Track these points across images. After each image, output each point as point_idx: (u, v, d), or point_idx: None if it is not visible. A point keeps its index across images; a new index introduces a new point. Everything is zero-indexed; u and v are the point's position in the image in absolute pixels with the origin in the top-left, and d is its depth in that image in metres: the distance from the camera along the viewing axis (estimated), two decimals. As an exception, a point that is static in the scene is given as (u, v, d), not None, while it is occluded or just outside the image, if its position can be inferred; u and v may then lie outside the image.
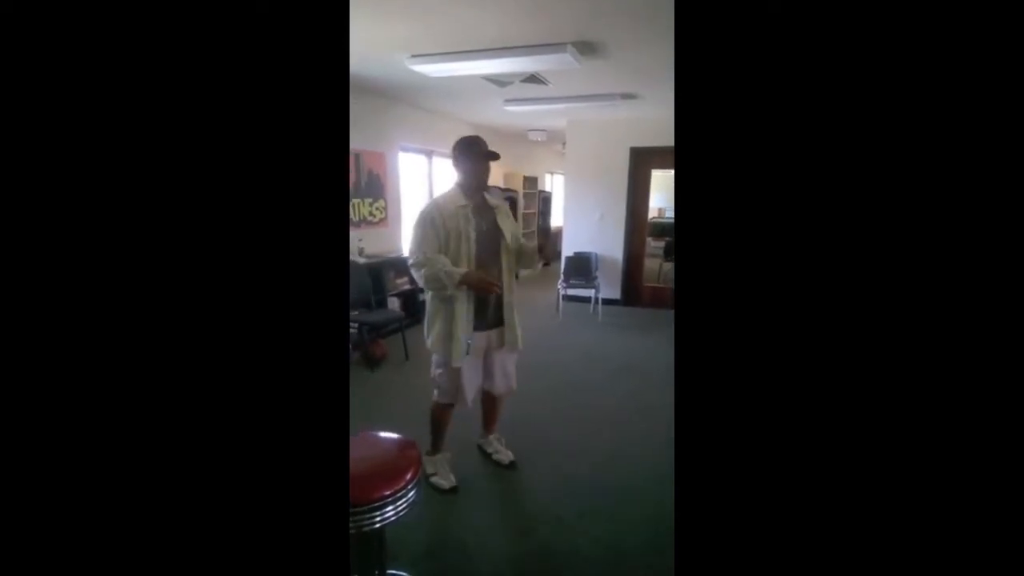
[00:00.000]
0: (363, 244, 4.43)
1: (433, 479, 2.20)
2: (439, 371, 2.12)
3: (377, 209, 4.63)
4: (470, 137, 2.07)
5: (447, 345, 2.03)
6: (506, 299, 2.12)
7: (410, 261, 1.99)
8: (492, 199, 2.16)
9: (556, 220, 8.59)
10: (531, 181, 7.71)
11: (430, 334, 2.08)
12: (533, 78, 3.53)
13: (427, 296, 2.09)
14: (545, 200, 8.64)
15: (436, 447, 2.26)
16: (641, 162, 5.44)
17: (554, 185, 9.31)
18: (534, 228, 8.33)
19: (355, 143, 4.18)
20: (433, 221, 1.98)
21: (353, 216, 4.33)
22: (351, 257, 4.11)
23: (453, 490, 2.16)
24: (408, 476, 1.27)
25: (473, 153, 2.04)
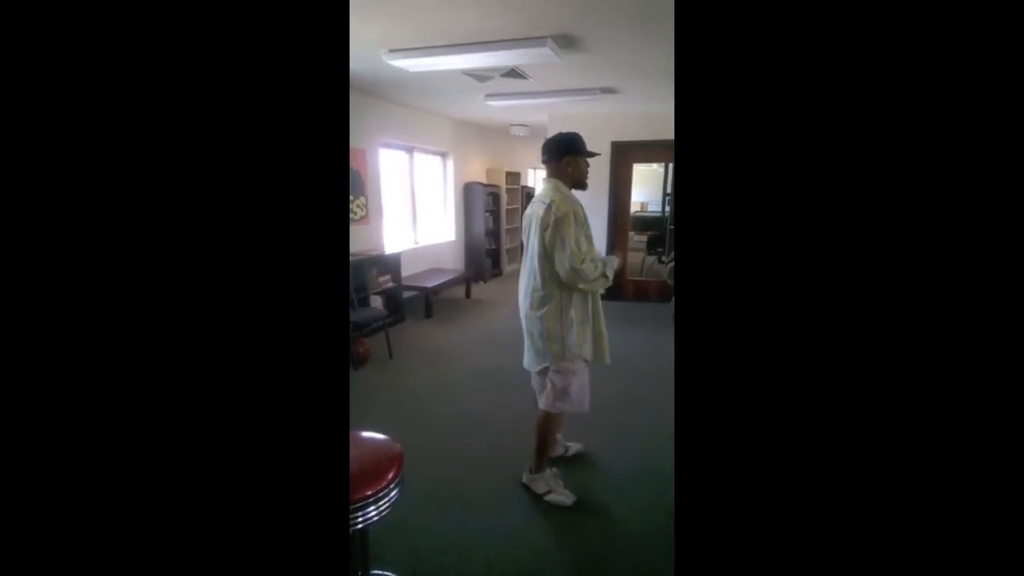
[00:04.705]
0: (344, 242, 4.37)
1: (550, 497, 2.08)
2: (572, 379, 1.97)
3: (358, 207, 4.58)
4: (574, 134, 1.98)
5: (591, 347, 1.97)
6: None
7: (571, 265, 1.82)
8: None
9: (539, 216, 8.56)
10: (513, 176, 7.69)
11: (576, 339, 1.93)
12: (513, 72, 3.51)
13: (548, 305, 1.93)
14: (528, 195, 8.63)
15: (543, 463, 2.13)
16: (623, 156, 5.46)
17: (537, 180, 9.31)
18: (518, 224, 8.32)
19: (334, 140, 4.12)
20: (578, 219, 1.88)
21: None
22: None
23: (573, 505, 2.06)
24: (390, 476, 1.25)
25: (582, 151, 1.97)
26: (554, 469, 2.19)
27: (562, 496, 2.09)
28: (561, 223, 1.83)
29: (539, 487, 2.12)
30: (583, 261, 1.85)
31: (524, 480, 2.19)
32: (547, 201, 1.89)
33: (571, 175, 1.96)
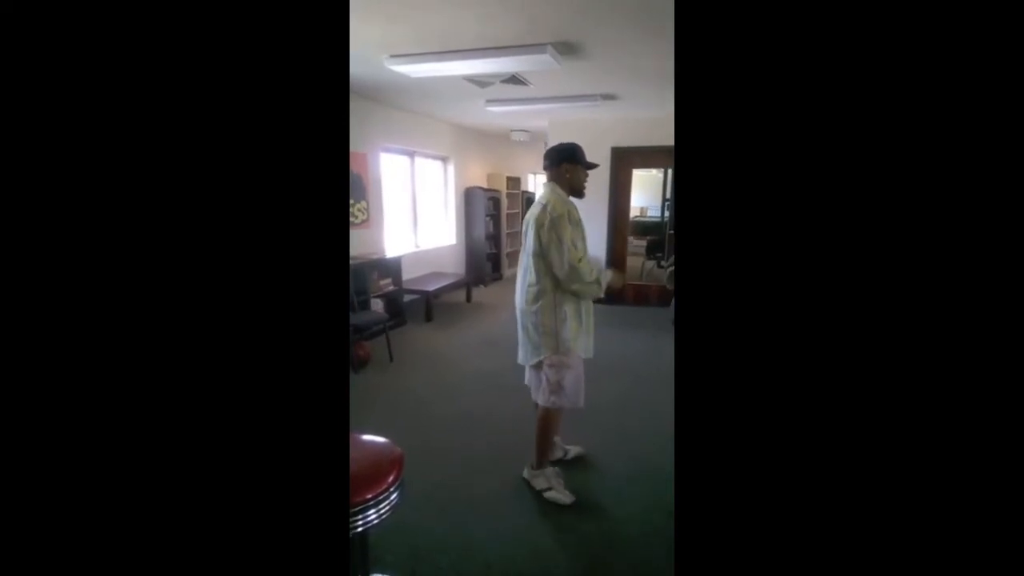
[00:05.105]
0: (345, 246, 4.38)
1: (549, 494, 2.12)
2: (565, 373, 2.03)
3: (359, 210, 4.59)
4: (574, 144, 2.07)
5: (583, 341, 2.04)
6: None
7: (569, 262, 1.91)
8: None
9: (540, 220, 8.55)
10: (514, 181, 7.70)
11: (564, 336, 2.00)
12: (514, 79, 3.53)
13: (543, 299, 1.99)
14: (529, 200, 8.63)
15: (544, 459, 2.18)
16: (623, 162, 5.48)
17: (537, 185, 9.32)
18: (518, 229, 8.33)
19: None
20: (572, 219, 1.97)
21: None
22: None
23: (573, 506, 2.08)
24: (390, 479, 1.25)
25: (582, 160, 2.06)
26: (556, 468, 2.23)
27: (561, 495, 2.11)
28: (557, 222, 1.92)
29: (539, 483, 2.15)
30: (579, 260, 1.94)
31: (525, 475, 2.22)
32: (544, 202, 1.99)
33: (569, 181, 2.04)
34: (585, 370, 2.12)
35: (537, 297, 2.01)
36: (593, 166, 2.09)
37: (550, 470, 2.18)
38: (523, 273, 2.07)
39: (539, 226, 1.95)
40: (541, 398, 2.09)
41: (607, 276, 2.06)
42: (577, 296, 2.01)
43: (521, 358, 2.15)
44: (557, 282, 1.97)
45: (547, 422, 2.13)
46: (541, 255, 1.97)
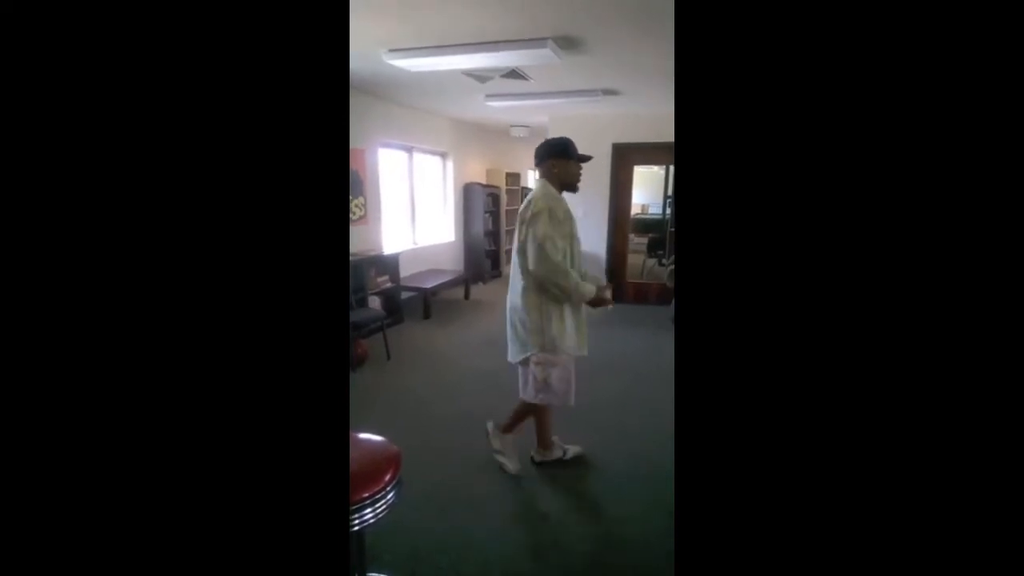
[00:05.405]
0: (343, 242, 4.36)
1: (499, 457, 2.27)
2: (552, 371, 2.03)
3: (356, 207, 4.57)
4: (563, 139, 2.07)
5: (572, 338, 2.04)
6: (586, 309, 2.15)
7: (542, 268, 1.91)
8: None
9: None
10: (513, 177, 7.69)
11: (551, 333, 1.99)
12: (514, 73, 3.51)
13: (527, 297, 2.00)
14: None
15: (512, 428, 2.28)
16: (624, 158, 5.46)
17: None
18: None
19: (333, 140, 4.11)
20: (554, 216, 1.94)
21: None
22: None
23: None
24: (387, 478, 1.24)
25: (574, 154, 2.05)
26: (514, 438, 2.32)
27: (509, 462, 2.24)
28: (536, 219, 1.93)
29: (495, 443, 2.29)
30: (557, 268, 1.93)
31: (488, 428, 2.35)
32: (531, 199, 2.03)
33: (558, 176, 2.05)
34: (584, 368, 2.13)
35: (524, 294, 2.03)
36: (586, 159, 2.09)
37: (510, 438, 2.28)
38: (513, 270, 2.10)
39: (520, 223, 1.99)
40: (528, 395, 2.12)
41: (586, 289, 1.98)
42: (556, 299, 2.00)
43: (510, 355, 2.16)
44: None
45: (529, 412, 2.20)
46: (523, 252, 2.00)
